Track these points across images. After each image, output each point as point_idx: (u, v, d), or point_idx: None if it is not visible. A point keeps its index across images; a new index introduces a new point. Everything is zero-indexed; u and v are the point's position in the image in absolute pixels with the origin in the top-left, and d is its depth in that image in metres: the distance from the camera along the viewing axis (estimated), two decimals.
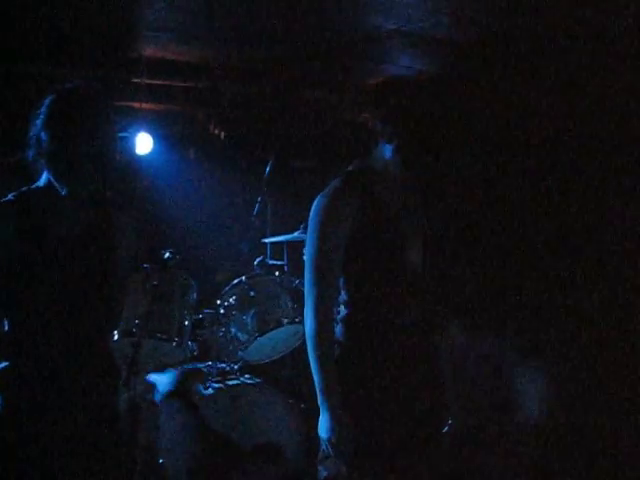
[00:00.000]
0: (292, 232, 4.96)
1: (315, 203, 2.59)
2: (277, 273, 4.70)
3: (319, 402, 2.53)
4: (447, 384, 2.79)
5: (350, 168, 2.67)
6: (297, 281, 4.74)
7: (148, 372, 4.48)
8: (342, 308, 2.65)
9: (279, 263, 4.99)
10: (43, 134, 2.48)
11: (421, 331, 2.65)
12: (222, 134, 5.74)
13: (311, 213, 2.59)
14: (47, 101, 2.52)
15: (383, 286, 2.59)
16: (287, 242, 5.13)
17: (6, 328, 2.52)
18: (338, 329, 2.63)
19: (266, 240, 5.14)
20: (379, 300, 2.60)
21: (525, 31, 4.43)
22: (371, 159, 2.65)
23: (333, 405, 2.49)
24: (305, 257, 2.61)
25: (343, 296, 2.64)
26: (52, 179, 2.53)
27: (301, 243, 5.07)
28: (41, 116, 2.50)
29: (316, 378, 2.53)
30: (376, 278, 2.59)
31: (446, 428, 2.82)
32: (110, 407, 2.79)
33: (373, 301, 2.60)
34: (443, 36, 4.64)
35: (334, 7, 4.16)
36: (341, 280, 2.62)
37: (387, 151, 2.57)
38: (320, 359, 2.51)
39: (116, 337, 4.02)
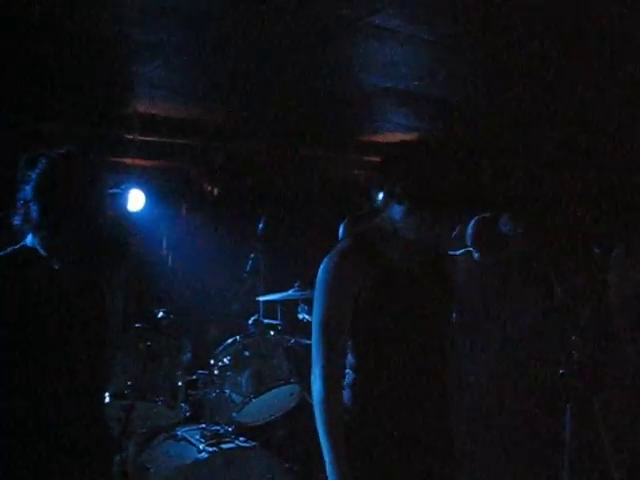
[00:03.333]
0: (286, 290, 4.91)
1: (322, 265, 2.55)
2: (272, 332, 4.63)
3: (327, 471, 2.44)
4: (459, 449, 2.70)
5: (358, 229, 2.63)
6: (292, 340, 4.67)
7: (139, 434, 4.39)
8: (349, 372, 2.58)
9: (274, 322, 4.91)
10: (32, 204, 2.45)
11: (433, 396, 2.58)
12: (215, 190, 5.71)
13: (318, 274, 2.54)
14: (39, 168, 2.48)
15: (391, 351, 2.53)
16: (281, 300, 5.07)
17: None
18: (345, 394, 2.56)
19: (260, 298, 5.08)
20: (388, 365, 2.53)
21: (520, 94, 4.46)
22: (380, 221, 2.61)
23: (342, 475, 2.40)
24: (312, 320, 2.55)
25: (350, 360, 2.58)
26: (38, 247, 2.50)
27: (295, 302, 5.02)
28: (32, 183, 2.47)
29: (324, 446, 2.44)
30: (385, 342, 2.53)
31: None
32: (103, 473, 2.71)
33: (382, 366, 2.54)
34: (438, 96, 4.67)
35: (329, 65, 4.17)
36: (349, 344, 2.56)
37: (397, 213, 2.53)
38: (328, 427, 2.44)
39: (108, 400, 3.92)
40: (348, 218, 3.34)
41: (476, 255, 4.48)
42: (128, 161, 5.41)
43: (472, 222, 4.34)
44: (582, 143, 5.52)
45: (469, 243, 4.55)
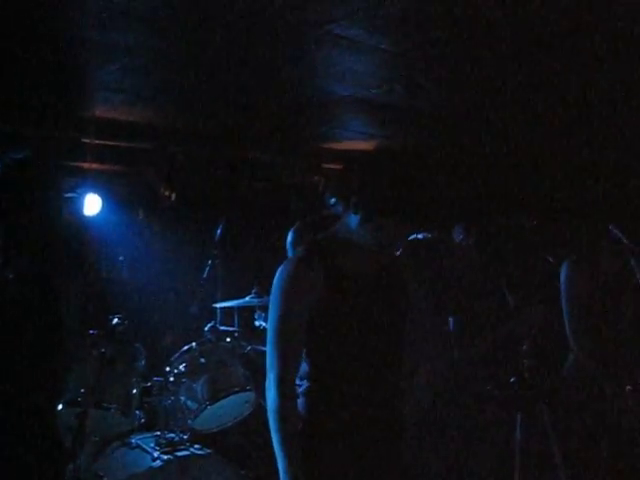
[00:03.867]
0: (243, 297, 4.89)
1: (278, 272, 2.54)
2: (228, 339, 4.61)
3: (281, 479, 2.44)
4: (409, 456, 2.71)
5: (314, 238, 2.63)
6: (249, 347, 4.66)
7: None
8: (304, 381, 2.58)
9: (230, 329, 4.89)
10: None
11: (386, 404, 2.59)
12: (172, 195, 5.67)
13: (274, 282, 2.54)
14: None
15: (347, 359, 2.53)
16: (238, 307, 5.05)
17: None
18: (300, 403, 2.56)
19: (217, 305, 5.05)
20: (342, 373, 2.54)
21: (478, 103, 4.51)
22: (336, 228, 2.62)
23: None
24: (267, 327, 2.54)
25: (305, 368, 2.58)
26: None
27: (252, 309, 5.01)
28: None
29: (278, 454, 2.44)
30: (339, 351, 2.53)
31: None
32: None
33: (336, 374, 2.54)
34: (396, 103, 4.70)
35: (288, 71, 4.18)
36: (304, 351, 2.55)
37: (353, 222, 2.54)
38: (283, 435, 2.43)
39: (60, 407, 3.86)
40: (298, 225, 3.35)
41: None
42: (85, 165, 5.35)
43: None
44: (536, 153, 5.62)
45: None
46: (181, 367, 4.38)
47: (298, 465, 2.42)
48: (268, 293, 4.49)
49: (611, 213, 4.11)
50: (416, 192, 2.47)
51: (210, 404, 4.27)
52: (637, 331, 3.99)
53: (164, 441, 4.18)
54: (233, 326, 5.04)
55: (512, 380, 2.85)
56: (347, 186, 2.55)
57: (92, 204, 5.19)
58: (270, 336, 2.51)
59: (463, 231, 2.64)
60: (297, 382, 2.57)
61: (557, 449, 3.34)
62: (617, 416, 3.87)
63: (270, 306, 2.54)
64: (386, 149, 2.60)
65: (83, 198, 5.13)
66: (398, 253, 2.71)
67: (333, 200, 2.63)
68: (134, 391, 4.25)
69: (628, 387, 4.02)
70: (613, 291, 4.06)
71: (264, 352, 4.60)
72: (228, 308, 5.07)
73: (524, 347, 2.86)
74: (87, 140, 5.18)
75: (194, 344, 4.45)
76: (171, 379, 4.35)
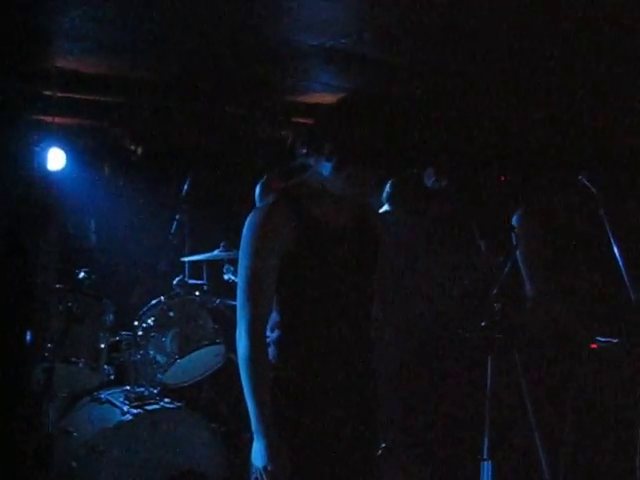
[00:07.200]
0: (211, 250, 4.86)
1: (248, 219, 2.51)
2: (197, 293, 4.59)
3: (253, 429, 2.43)
4: (380, 406, 2.72)
5: (284, 185, 2.59)
6: (217, 301, 4.64)
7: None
8: (275, 330, 2.56)
9: (199, 282, 4.86)
10: None
11: (356, 353, 2.59)
12: (139, 149, 5.57)
13: (244, 229, 2.51)
14: None
15: (317, 308, 2.52)
16: (207, 261, 5.02)
17: None
18: (270, 351, 2.55)
19: (185, 259, 5.02)
20: (312, 322, 2.52)
21: (448, 51, 4.46)
22: (307, 177, 2.58)
23: (268, 432, 2.40)
24: (238, 275, 2.51)
25: (275, 317, 2.56)
26: None
27: (221, 262, 4.97)
28: None
29: (249, 403, 2.43)
30: (309, 299, 2.51)
31: (379, 452, 2.76)
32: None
33: (306, 323, 2.53)
34: (365, 54, 4.63)
35: (256, 22, 4.09)
36: (274, 300, 2.53)
37: (325, 169, 2.50)
38: (254, 384, 2.42)
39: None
40: (267, 177, 3.30)
41: (391, 218, 4.53)
42: (48, 119, 5.23)
43: (390, 181, 4.38)
44: (506, 102, 5.60)
45: (386, 202, 4.60)
46: (150, 321, 4.36)
47: (269, 413, 2.42)
48: (236, 247, 4.46)
49: (577, 165, 4.13)
50: (391, 138, 2.44)
51: (179, 358, 4.28)
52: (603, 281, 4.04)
53: (134, 395, 4.18)
54: (202, 280, 5.01)
55: (483, 324, 2.87)
56: (321, 132, 2.51)
57: (56, 159, 5.09)
58: (241, 284, 2.48)
59: (434, 174, 2.61)
60: (267, 332, 2.56)
61: (526, 391, 3.39)
62: (581, 364, 3.95)
63: (240, 254, 2.51)
64: (359, 96, 2.55)
65: (47, 152, 5.03)
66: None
67: (304, 150, 2.59)
68: (102, 346, 4.23)
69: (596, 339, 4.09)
70: (567, 238, 4.15)
71: (233, 306, 4.58)
72: (196, 262, 5.04)
73: (494, 291, 2.88)
74: (49, 92, 5.05)
75: (163, 298, 4.43)
76: (140, 333, 4.34)
